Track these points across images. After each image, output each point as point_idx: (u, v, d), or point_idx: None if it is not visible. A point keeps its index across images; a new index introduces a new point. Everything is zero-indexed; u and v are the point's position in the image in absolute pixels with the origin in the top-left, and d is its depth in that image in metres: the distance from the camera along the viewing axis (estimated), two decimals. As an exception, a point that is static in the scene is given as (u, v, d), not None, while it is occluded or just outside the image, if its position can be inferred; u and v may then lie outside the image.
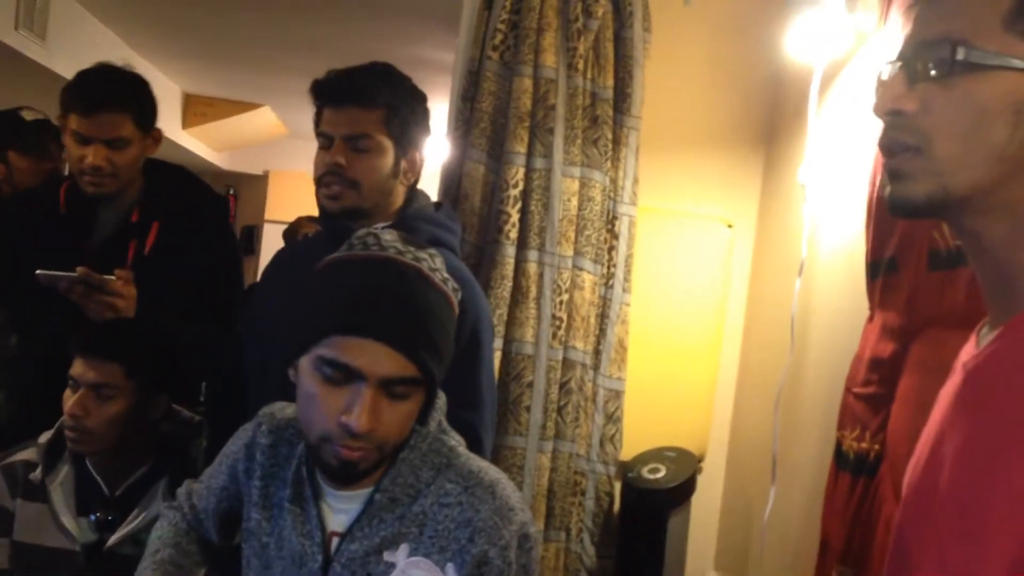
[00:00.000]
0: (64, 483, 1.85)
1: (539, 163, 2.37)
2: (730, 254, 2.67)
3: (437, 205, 2.00)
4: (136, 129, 2.11)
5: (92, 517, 1.83)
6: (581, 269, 2.41)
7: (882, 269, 1.74)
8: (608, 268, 2.49)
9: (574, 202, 2.40)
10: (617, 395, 2.50)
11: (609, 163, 2.45)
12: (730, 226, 2.66)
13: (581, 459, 2.46)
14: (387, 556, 1.26)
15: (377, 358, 1.19)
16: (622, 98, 2.46)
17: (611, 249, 2.48)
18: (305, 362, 1.24)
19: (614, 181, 2.47)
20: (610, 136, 2.45)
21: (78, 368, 1.80)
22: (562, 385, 2.40)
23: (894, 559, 0.96)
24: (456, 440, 1.36)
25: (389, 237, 1.28)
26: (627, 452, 2.54)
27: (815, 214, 2.23)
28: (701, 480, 2.58)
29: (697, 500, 2.54)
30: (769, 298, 2.59)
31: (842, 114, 2.18)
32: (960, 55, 0.84)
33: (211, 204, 2.36)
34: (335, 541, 1.30)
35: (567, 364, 2.40)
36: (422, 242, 1.33)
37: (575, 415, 2.42)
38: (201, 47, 5.64)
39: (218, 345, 2.13)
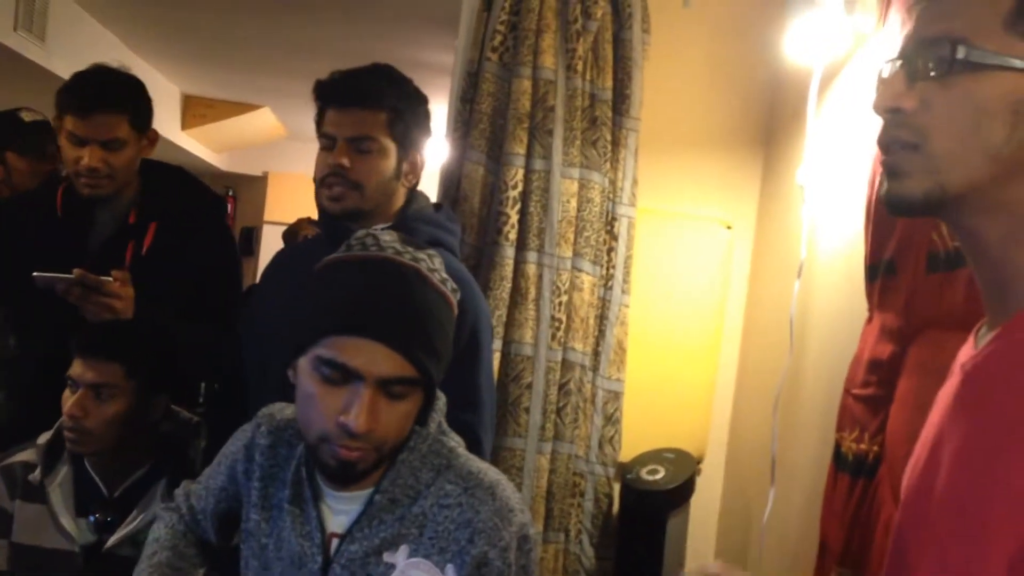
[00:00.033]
0: (63, 484, 1.85)
1: (538, 164, 2.37)
2: (729, 255, 2.67)
3: (437, 206, 2.00)
4: (132, 130, 2.11)
5: (91, 518, 1.83)
6: (580, 270, 2.41)
7: (881, 271, 1.74)
8: (607, 269, 2.49)
9: (573, 203, 2.40)
10: (616, 396, 2.50)
11: (608, 164, 2.45)
12: (729, 227, 2.66)
13: (580, 460, 2.46)
14: (387, 557, 1.26)
15: (375, 358, 1.19)
16: (621, 99, 2.46)
17: (610, 250, 2.48)
18: (304, 362, 1.25)
19: (613, 182, 2.47)
20: (609, 137, 2.45)
21: (77, 369, 1.80)
22: (561, 386, 2.40)
23: (893, 560, 0.96)
24: (456, 441, 1.36)
25: (388, 238, 1.28)
26: (626, 453, 2.54)
27: (814, 215, 2.23)
28: (700, 481, 2.58)
29: (696, 501, 2.54)
30: (768, 300, 2.59)
31: (841, 116, 2.18)
32: (960, 54, 0.84)
33: (208, 204, 2.36)
34: (335, 542, 1.30)
35: (566, 365, 2.40)
36: (421, 243, 1.33)
37: (574, 416, 2.42)
38: (200, 48, 5.64)
39: (217, 345, 2.13)
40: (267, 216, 8.56)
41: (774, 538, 2.22)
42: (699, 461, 2.62)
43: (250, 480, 1.37)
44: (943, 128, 0.86)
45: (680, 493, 2.46)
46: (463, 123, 2.44)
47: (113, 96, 2.09)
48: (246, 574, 1.38)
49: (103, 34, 5.22)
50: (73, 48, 4.55)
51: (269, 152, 8.43)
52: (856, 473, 1.72)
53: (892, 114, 0.89)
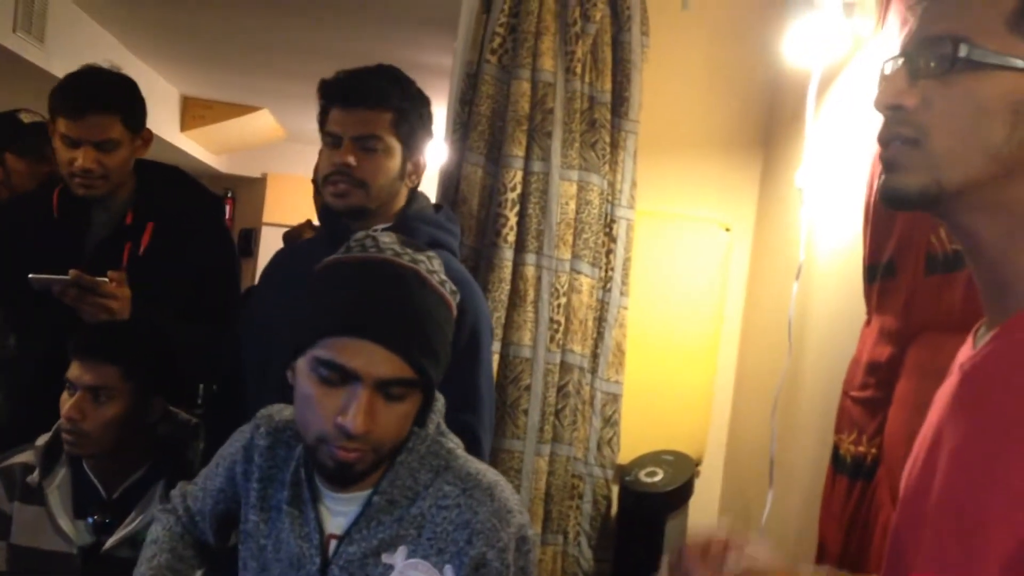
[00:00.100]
0: (61, 486, 1.85)
1: (537, 166, 2.37)
2: (728, 257, 2.67)
3: (437, 207, 2.01)
4: (125, 130, 2.11)
5: (89, 520, 1.82)
6: (579, 272, 2.41)
7: (879, 273, 1.74)
8: (606, 271, 2.49)
9: (572, 205, 2.40)
10: (615, 398, 2.50)
11: (607, 166, 2.45)
12: (728, 229, 2.66)
13: (579, 462, 2.46)
14: (385, 558, 1.26)
15: (373, 359, 1.19)
16: (620, 102, 2.46)
17: (609, 252, 2.48)
18: (302, 363, 1.25)
19: (612, 184, 2.47)
20: (608, 140, 2.45)
21: (75, 371, 1.80)
22: (560, 388, 2.40)
23: (891, 560, 0.96)
24: (454, 442, 1.36)
25: (387, 239, 1.28)
26: (625, 455, 2.54)
27: (812, 218, 2.23)
28: (699, 483, 2.58)
29: (695, 503, 2.54)
30: (767, 302, 2.59)
31: (840, 118, 2.19)
32: (962, 52, 0.85)
33: (206, 204, 2.36)
34: (333, 543, 1.30)
35: (565, 367, 2.40)
36: (421, 243, 1.33)
37: (573, 418, 2.42)
38: (199, 50, 5.64)
39: (216, 345, 2.13)
40: (266, 218, 8.55)
41: (773, 540, 2.21)
42: (698, 463, 2.62)
43: (249, 481, 1.37)
44: (943, 126, 0.86)
45: (679, 495, 2.46)
46: (462, 125, 2.44)
47: (105, 97, 2.09)
48: (244, 575, 1.38)
49: (102, 35, 5.22)
50: (72, 49, 4.55)
51: (268, 154, 8.42)
52: (854, 475, 1.72)
53: (893, 111, 0.90)
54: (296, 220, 4.05)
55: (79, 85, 2.11)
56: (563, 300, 2.39)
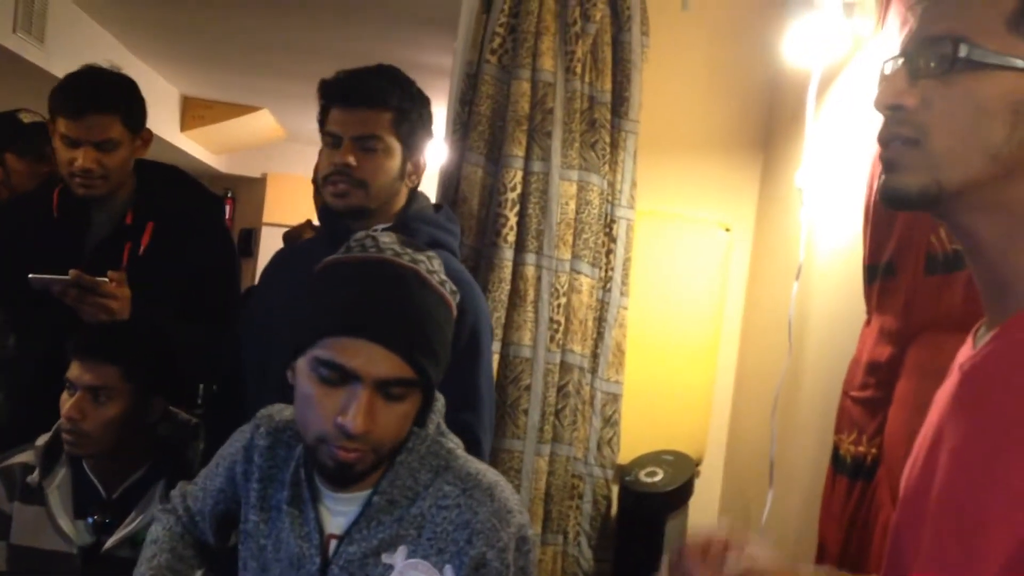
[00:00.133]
0: (61, 486, 1.85)
1: (537, 166, 2.37)
2: (728, 258, 2.67)
3: (437, 207, 2.01)
4: (125, 130, 2.11)
5: (89, 520, 1.82)
6: (579, 272, 2.41)
7: (879, 273, 1.74)
8: (606, 271, 2.49)
9: (572, 205, 2.40)
10: (615, 398, 2.50)
11: (607, 166, 2.45)
12: (728, 230, 2.66)
13: (578, 462, 2.46)
14: (385, 558, 1.26)
15: (373, 359, 1.19)
16: (620, 102, 2.46)
17: (609, 252, 2.49)
18: (302, 363, 1.25)
19: (612, 184, 2.47)
20: (608, 140, 2.45)
21: (75, 371, 1.80)
22: (560, 388, 2.40)
23: (891, 559, 0.96)
24: (454, 442, 1.36)
25: (387, 239, 1.28)
26: (625, 455, 2.54)
27: (812, 218, 2.23)
28: (699, 483, 2.58)
29: (695, 503, 2.54)
30: (767, 302, 2.59)
31: (840, 118, 2.19)
32: (962, 52, 0.85)
33: (206, 203, 2.36)
34: (333, 543, 1.30)
35: (565, 367, 2.40)
36: (421, 243, 1.34)
37: (573, 418, 2.42)
38: (199, 50, 5.64)
39: (216, 345, 2.13)
40: (266, 218, 8.55)
41: (773, 540, 2.22)
42: (698, 463, 2.62)
43: (249, 481, 1.37)
44: (943, 126, 0.86)
45: (679, 495, 2.46)
46: (462, 125, 2.44)
47: (104, 97, 2.09)
48: (244, 575, 1.38)
49: (102, 35, 5.22)
50: (72, 50, 4.55)
51: (268, 154, 8.43)
52: (854, 475, 1.72)
53: (893, 111, 0.90)
54: (296, 220, 4.04)
55: (79, 85, 2.11)
56: (563, 300, 2.39)
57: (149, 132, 2.22)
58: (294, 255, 2.10)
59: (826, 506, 1.83)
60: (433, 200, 2.07)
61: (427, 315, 1.24)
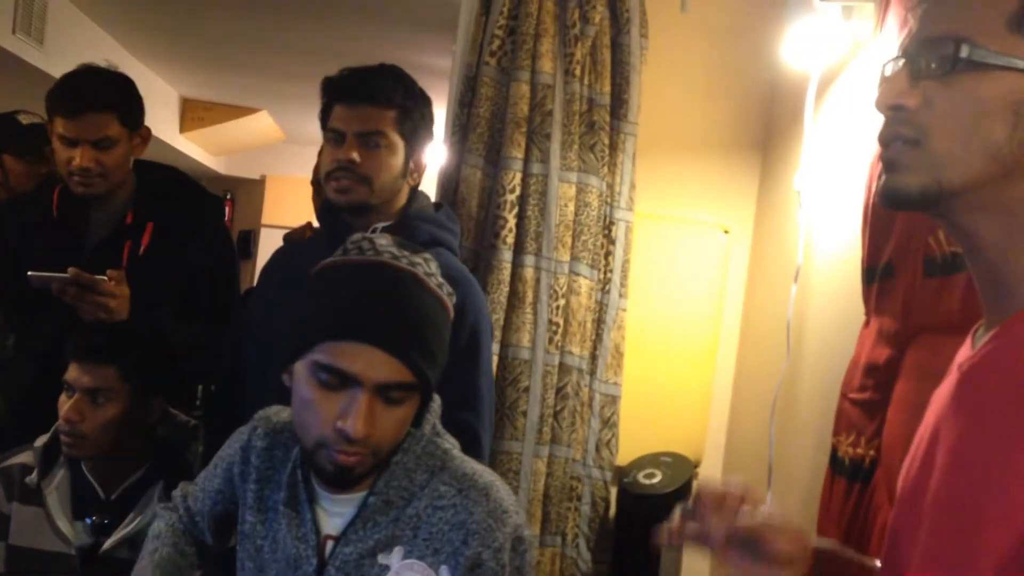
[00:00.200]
0: (60, 487, 1.85)
1: (536, 168, 2.37)
2: (726, 260, 2.67)
3: (437, 206, 2.01)
4: (122, 128, 2.11)
5: (88, 521, 1.82)
6: (578, 274, 2.42)
7: (878, 275, 1.74)
8: (605, 273, 2.49)
9: (571, 207, 2.40)
10: (613, 400, 2.50)
11: (606, 168, 2.45)
12: (726, 232, 2.67)
13: (577, 464, 2.46)
14: (381, 559, 1.26)
15: (373, 363, 1.19)
16: (619, 104, 2.46)
17: (608, 254, 2.49)
18: (300, 367, 1.24)
19: (611, 186, 2.47)
20: (607, 142, 2.45)
21: (73, 373, 1.80)
22: (558, 390, 2.40)
23: (888, 558, 0.96)
24: (450, 443, 1.36)
25: (384, 242, 1.28)
26: (623, 457, 2.54)
27: (811, 220, 2.23)
28: (697, 485, 2.57)
29: (693, 505, 2.53)
30: (765, 303, 2.59)
31: (838, 121, 2.19)
32: (964, 53, 0.85)
33: (206, 204, 2.36)
34: (329, 544, 1.30)
35: (563, 369, 2.40)
36: (421, 243, 1.34)
37: (571, 420, 2.42)
38: (199, 52, 5.64)
39: (215, 346, 2.13)
40: (265, 219, 8.56)
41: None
42: (696, 465, 2.62)
43: (246, 482, 1.37)
44: (944, 126, 0.86)
45: (677, 497, 2.45)
46: (461, 127, 2.45)
47: (101, 95, 2.09)
48: (242, 576, 1.38)
49: (102, 37, 5.22)
50: (72, 51, 4.55)
51: (267, 155, 8.43)
52: (853, 477, 1.72)
53: (894, 111, 0.90)
54: (295, 222, 4.03)
55: (75, 84, 2.11)
56: (562, 302, 2.39)
57: (147, 130, 2.22)
58: (293, 254, 2.10)
59: (824, 508, 1.83)
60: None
61: (425, 318, 1.24)
